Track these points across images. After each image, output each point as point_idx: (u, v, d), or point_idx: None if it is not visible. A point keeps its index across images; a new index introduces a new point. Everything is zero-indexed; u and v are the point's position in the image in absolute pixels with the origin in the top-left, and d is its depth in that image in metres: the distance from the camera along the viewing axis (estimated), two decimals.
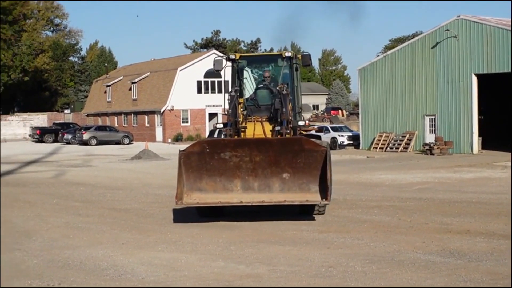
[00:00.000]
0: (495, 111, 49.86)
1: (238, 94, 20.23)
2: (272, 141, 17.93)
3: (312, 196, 17.24)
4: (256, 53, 28.03)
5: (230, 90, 20.55)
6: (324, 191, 16.82)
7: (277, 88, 19.51)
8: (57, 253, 13.56)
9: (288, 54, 20.16)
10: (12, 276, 11.65)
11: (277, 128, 18.84)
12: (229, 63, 21.29)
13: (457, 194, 23.13)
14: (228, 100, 20.01)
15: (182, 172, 16.78)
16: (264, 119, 19.87)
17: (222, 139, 18.58)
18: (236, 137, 19.19)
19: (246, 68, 22.26)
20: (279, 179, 17.48)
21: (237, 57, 20.72)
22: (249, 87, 21.76)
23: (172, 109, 76.95)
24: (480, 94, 46.03)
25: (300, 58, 21.14)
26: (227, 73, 21.41)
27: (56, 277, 11.40)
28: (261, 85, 20.77)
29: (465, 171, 33.52)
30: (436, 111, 48.07)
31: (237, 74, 21.17)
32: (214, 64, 21.00)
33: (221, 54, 77.76)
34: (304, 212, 18.76)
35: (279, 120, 18.97)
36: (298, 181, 17.37)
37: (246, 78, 22.21)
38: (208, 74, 75.61)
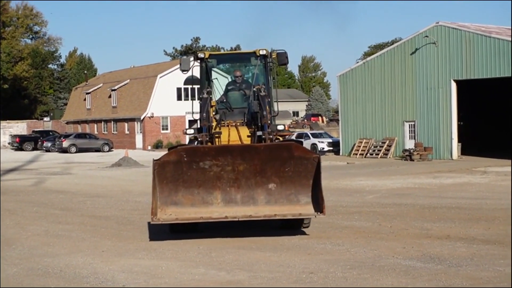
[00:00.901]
0: (474, 117, 50.19)
1: (210, 96, 18.51)
2: (258, 148, 16.12)
3: (304, 209, 15.79)
4: (227, 51, 25.26)
5: (201, 92, 18.83)
6: (318, 203, 15.52)
7: (254, 89, 17.84)
8: (37, 261, 13.54)
9: (262, 52, 18.40)
10: None
11: (258, 133, 16.98)
12: (197, 63, 19.55)
13: (437, 199, 23.27)
14: (200, 103, 18.53)
15: (156, 184, 15.08)
16: (238, 124, 18.17)
17: (202, 146, 16.43)
18: (209, 144, 17.27)
19: (215, 68, 20.51)
20: (264, 190, 15.88)
21: (206, 56, 18.60)
22: (219, 89, 19.94)
23: (152, 116, 77.35)
24: (459, 100, 46.26)
25: (276, 56, 19.07)
26: (195, 74, 19.87)
27: (36, 285, 11.42)
28: (233, 86, 19.20)
29: (445, 176, 33.73)
30: (416, 117, 48.51)
31: (207, 75, 19.25)
32: (180, 64, 18.94)
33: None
34: (287, 227, 17.17)
35: (259, 124, 17.11)
36: (286, 192, 15.84)
37: (216, 78, 20.41)
38: (188, 81, 75.77)
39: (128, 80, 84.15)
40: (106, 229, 18.57)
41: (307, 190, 15.58)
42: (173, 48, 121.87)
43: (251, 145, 16.35)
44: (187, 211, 15.29)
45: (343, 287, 11.02)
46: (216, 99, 18.86)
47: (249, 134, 17.34)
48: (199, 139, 16.83)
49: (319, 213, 15.21)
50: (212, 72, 19.52)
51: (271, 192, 15.58)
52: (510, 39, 44.21)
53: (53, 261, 13.40)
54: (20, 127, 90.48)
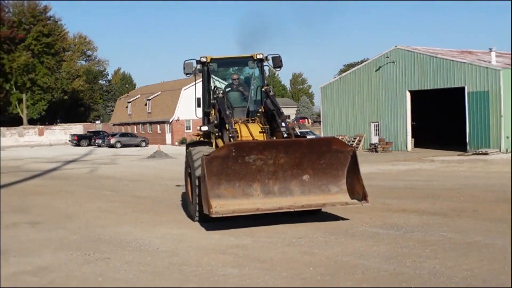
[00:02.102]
0: (424, 118, 50.39)
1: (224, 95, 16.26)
2: (302, 143, 14.22)
3: (336, 198, 14.05)
4: (226, 56, 21.58)
5: (214, 92, 16.55)
6: (357, 191, 13.81)
7: (263, 89, 16.12)
8: (91, 230, 13.56)
9: (259, 56, 16.52)
10: (57, 248, 11.58)
11: (283, 129, 14.63)
12: (199, 66, 17.40)
13: (395, 182, 23.31)
14: (214, 102, 16.25)
15: (206, 179, 12.66)
16: (241, 121, 16.01)
17: (251, 141, 14.39)
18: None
19: (213, 76, 17.93)
20: (299, 181, 13.89)
21: (208, 60, 16.65)
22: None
23: (178, 120, 77.40)
24: (413, 106, 46.49)
25: (271, 60, 17.03)
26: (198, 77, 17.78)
27: (91, 248, 11.42)
28: (230, 88, 17.19)
29: (401, 164, 33.69)
30: (379, 119, 48.84)
31: (208, 77, 17.24)
32: (184, 67, 16.63)
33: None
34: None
35: (278, 121, 14.97)
36: (318, 182, 13.93)
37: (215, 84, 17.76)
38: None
39: (160, 92, 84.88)
40: (144, 206, 18.37)
41: (337, 180, 13.86)
42: (193, 67, 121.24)
43: (296, 140, 14.32)
44: (230, 203, 13.19)
45: (324, 248, 11.05)
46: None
47: (261, 130, 15.43)
48: (230, 135, 14.40)
49: (364, 201, 13.51)
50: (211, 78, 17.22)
51: (305, 183, 13.74)
52: (452, 58, 44.64)
53: (104, 231, 13.40)
54: (78, 128, 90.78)
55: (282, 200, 13.48)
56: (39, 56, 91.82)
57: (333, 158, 13.70)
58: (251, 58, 16.15)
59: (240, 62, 16.70)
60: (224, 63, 16.53)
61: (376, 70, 49.13)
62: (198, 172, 13.57)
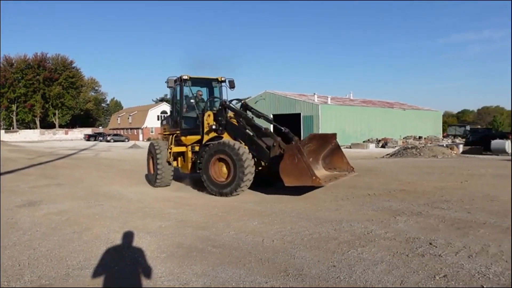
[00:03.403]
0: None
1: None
2: (318, 136, 11.99)
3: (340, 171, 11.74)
4: (200, 76, 13.89)
5: (177, 101, 13.45)
6: (346, 167, 11.59)
7: (241, 102, 13.18)
8: (94, 189, 13.17)
9: (223, 78, 13.88)
10: (73, 199, 11.14)
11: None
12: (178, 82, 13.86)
13: None
14: (221, 108, 12.52)
15: (305, 160, 9.88)
16: None
17: (312, 135, 10.90)
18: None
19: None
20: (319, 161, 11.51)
21: (188, 78, 13.36)
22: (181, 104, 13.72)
23: (146, 127, 77.65)
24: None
25: (227, 82, 14.12)
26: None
27: (92, 199, 11.07)
28: (198, 100, 13.79)
29: None
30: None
31: (182, 91, 13.59)
32: (167, 82, 13.15)
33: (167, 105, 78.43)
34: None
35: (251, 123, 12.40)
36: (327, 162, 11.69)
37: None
38: (163, 112, 77.09)
39: (136, 111, 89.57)
40: (125, 174, 18.01)
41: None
42: (156, 98, 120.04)
43: (317, 134, 12.60)
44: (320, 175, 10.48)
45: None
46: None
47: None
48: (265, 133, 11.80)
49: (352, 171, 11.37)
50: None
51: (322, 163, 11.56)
52: (294, 98, 47.09)
53: (102, 189, 13.18)
54: (88, 131, 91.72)
55: (324, 171, 11.45)
56: (66, 89, 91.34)
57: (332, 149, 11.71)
58: (216, 79, 13.96)
59: (207, 82, 14.15)
60: (196, 82, 13.81)
61: (255, 103, 50.06)
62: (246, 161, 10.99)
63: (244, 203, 10.16)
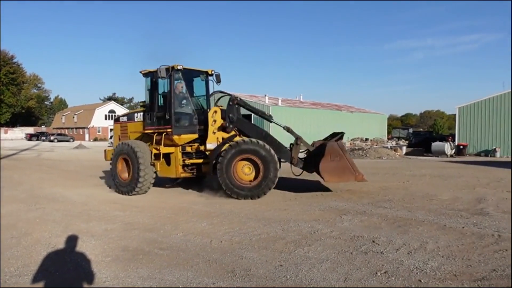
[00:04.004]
0: None
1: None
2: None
3: None
4: (191, 67, 11.68)
5: (167, 98, 11.36)
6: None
7: (232, 97, 11.89)
8: (35, 191, 12.76)
9: (212, 72, 12.19)
10: (12, 202, 10.68)
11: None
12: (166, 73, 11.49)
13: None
14: (233, 106, 11.65)
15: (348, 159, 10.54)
16: None
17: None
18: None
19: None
20: None
21: (182, 69, 11.39)
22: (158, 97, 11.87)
23: (93, 127, 74.41)
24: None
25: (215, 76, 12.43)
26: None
27: (33, 202, 10.68)
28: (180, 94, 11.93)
29: None
30: None
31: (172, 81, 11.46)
32: (159, 72, 10.90)
33: (117, 104, 76.67)
34: None
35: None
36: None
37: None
38: (110, 111, 75.61)
39: (82, 110, 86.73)
40: (69, 176, 17.46)
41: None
42: (104, 96, 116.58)
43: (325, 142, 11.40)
44: None
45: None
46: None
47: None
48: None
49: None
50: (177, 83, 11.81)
51: None
52: (247, 98, 47.07)
53: (43, 191, 12.81)
54: (30, 129, 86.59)
55: None
56: (6, 85, 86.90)
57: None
58: (205, 72, 12.33)
59: (197, 74, 12.26)
60: (186, 73, 11.77)
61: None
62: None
63: (193, 204, 10.10)
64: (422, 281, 5.03)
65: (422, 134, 43.77)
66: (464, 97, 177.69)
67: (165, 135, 11.49)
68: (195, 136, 11.64)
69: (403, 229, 7.36)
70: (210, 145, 11.51)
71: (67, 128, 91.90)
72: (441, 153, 31.16)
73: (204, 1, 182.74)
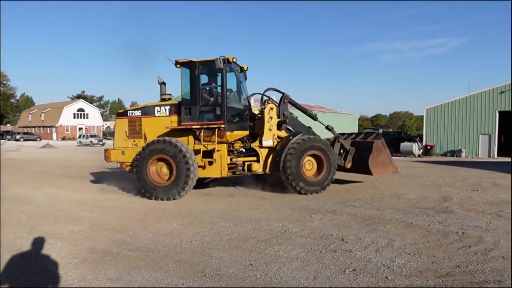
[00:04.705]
0: None
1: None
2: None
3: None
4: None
5: (225, 90, 10.63)
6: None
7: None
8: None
9: (247, 68, 11.87)
10: None
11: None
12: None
13: None
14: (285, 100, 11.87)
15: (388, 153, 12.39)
16: None
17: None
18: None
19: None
20: None
21: (234, 60, 10.83)
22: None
23: (61, 125, 72.57)
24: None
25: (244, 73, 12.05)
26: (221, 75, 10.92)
27: None
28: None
29: None
30: None
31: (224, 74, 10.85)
32: (219, 62, 10.08)
33: (87, 103, 75.68)
34: None
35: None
36: None
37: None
38: (79, 109, 73.92)
39: (50, 108, 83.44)
40: (35, 176, 16.98)
41: None
42: (72, 95, 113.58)
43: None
44: None
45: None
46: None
47: None
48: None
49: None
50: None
51: None
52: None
53: (7, 192, 12.30)
54: None
55: None
56: None
57: None
58: (241, 68, 11.55)
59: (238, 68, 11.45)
60: (234, 67, 11.13)
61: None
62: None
63: (163, 205, 10.04)
64: (388, 278, 5.13)
65: (391, 135, 44.70)
66: (432, 99, 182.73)
67: (217, 131, 10.73)
68: (246, 133, 11.21)
69: (372, 227, 7.51)
70: (267, 142, 11.28)
71: (34, 127, 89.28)
72: (409, 153, 31.86)
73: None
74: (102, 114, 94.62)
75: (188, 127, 10.89)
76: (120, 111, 12.03)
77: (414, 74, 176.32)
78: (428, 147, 32.90)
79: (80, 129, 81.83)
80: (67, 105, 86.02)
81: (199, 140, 10.89)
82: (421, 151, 32.52)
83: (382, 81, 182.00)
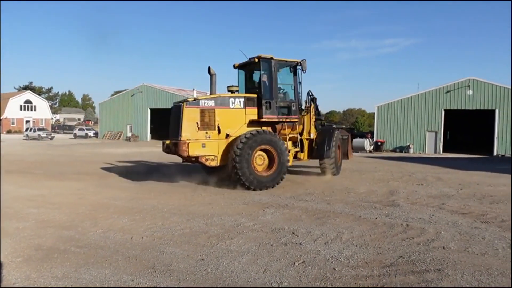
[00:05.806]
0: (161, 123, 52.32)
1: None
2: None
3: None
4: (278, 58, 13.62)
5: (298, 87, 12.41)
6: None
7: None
8: None
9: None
10: None
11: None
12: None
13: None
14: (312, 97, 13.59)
15: None
16: None
17: None
18: None
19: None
20: None
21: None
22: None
23: (6, 118, 69.16)
24: (153, 117, 49.95)
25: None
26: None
27: None
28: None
29: (143, 147, 33.02)
30: (133, 122, 48.69)
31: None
32: (305, 65, 11.77)
33: (36, 95, 72.11)
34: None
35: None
36: None
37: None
38: (26, 101, 70.44)
39: None
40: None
41: None
42: (18, 85, 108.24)
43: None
44: None
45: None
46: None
47: None
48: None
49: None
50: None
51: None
52: (173, 92, 47.83)
53: None
54: None
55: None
56: None
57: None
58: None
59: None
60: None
61: (132, 96, 48.49)
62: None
63: (114, 200, 9.87)
64: (336, 269, 5.29)
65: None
66: (383, 96, 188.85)
67: (296, 125, 12.63)
68: (301, 126, 13.29)
69: (322, 221, 7.71)
70: (313, 134, 13.53)
71: None
72: (361, 149, 32.54)
73: None
74: (51, 107, 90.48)
75: (270, 120, 11.88)
76: (189, 99, 11.36)
77: (368, 72, 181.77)
78: (379, 143, 33.87)
79: (27, 122, 78.06)
80: (13, 96, 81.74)
81: (277, 133, 12.42)
82: (372, 147, 33.39)
83: (337, 79, 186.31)
